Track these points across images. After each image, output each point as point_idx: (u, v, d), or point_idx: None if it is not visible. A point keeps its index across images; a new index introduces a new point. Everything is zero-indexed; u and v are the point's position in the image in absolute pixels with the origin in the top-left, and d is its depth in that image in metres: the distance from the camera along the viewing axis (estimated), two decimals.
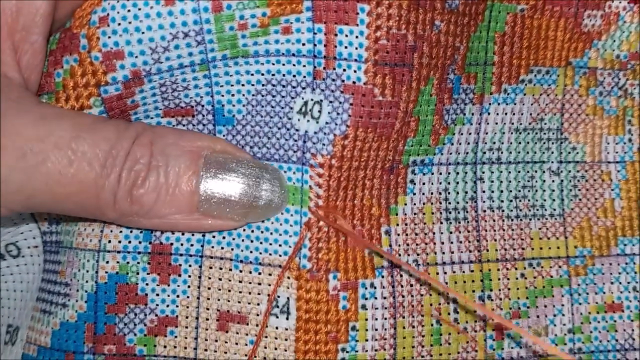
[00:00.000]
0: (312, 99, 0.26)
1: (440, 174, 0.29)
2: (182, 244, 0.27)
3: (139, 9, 0.25)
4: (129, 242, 0.27)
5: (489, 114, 0.29)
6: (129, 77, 0.26)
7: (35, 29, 0.25)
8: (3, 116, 0.23)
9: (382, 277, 0.27)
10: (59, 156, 0.23)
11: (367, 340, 0.27)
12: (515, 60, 0.30)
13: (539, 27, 0.29)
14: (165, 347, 0.27)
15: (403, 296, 0.28)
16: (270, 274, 0.27)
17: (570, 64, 0.30)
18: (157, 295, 0.27)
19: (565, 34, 0.30)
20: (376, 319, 0.27)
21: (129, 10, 0.25)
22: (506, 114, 0.30)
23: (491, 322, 0.29)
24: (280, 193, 0.26)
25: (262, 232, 0.27)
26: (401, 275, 0.28)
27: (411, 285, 0.28)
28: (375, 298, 0.27)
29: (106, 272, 0.27)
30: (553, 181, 0.31)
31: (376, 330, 0.27)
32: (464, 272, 0.29)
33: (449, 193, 0.29)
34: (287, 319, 0.26)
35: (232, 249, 0.27)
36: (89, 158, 0.24)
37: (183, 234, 0.27)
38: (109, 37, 0.25)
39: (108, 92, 0.26)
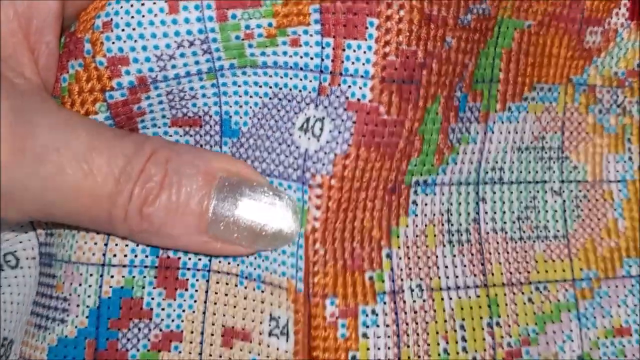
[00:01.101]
0: (314, 116, 0.25)
1: (443, 194, 0.28)
2: (189, 258, 0.27)
3: (143, 16, 0.24)
4: (135, 255, 0.26)
5: (492, 132, 0.29)
6: (134, 83, 0.25)
7: (49, 29, 0.25)
8: (24, 120, 0.23)
9: (384, 303, 0.26)
10: (75, 168, 0.23)
11: None
12: (520, 77, 0.29)
13: (544, 43, 0.29)
14: None
15: (407, 324, 0.26)
16: (271, 293, 0.26)
17: (571, 81, 0.30)
18: (163, 309, 0.26)
19: (568, 51, 0.29)
20: (379, 349, 0.26)
21: (132, 17, 0.24)
22: (509, 132, 0.29)
23: (501, 351, 0.28)
24: (292, 223, 0.25)
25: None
26: (404, 302, 0.26)
27: (415, 312, 0.27)
28: (377, 326, 0.26)
29: (110, 287, 0.26)
30: (555, 201, 0.30)
31: None
32: (469, 297, 0.28)
33: (451, 214, 0.28)
34: (287, 341, 0.25)
35: (238, 265, 0.26)
36: (104, 173, 0.24)
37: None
38: (113, 43, 0.25)
39: (113, 98, 0.25)
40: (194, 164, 0.25)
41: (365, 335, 0.26)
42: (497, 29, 0.28)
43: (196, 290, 0.26)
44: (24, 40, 0.25)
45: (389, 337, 0.26)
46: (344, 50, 0.24)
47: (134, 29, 0.24)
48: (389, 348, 0.26)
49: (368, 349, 0.26)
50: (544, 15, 0.28)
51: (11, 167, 0.23)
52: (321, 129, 0.25)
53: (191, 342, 0.26)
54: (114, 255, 0.27)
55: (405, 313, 0.26)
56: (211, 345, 0.26)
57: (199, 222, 0.25)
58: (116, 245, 0.27)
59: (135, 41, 0.24)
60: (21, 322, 0.29)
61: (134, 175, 0.24)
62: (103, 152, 0.24)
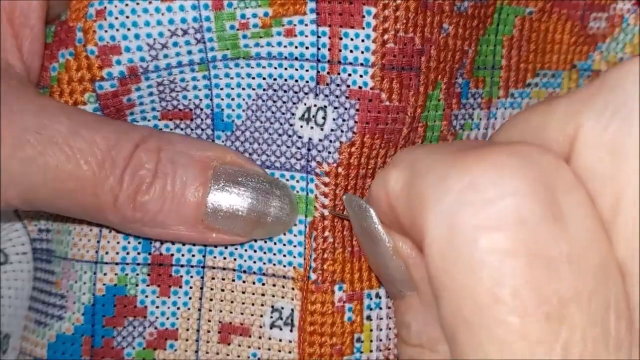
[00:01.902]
0: (315, 105, 0.25)
1: None
2: (183, 255, 0.26)
3: (137, 4, 0.23)
4: (127, 253, 0.26)
5: (496, 118, 0.29)
6: (125, 74, 0.24)
7: (33, 13, 0.24)
8: (5, 105, 0.22)
9: None
10: (56, 150, 0.22)
11: (371, 351, 0.26)
12: (522, 64, 0.29)
13: (546, 30, 0.29)
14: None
15: None
16: (274, 285, 0.26)
17: (575, 67, 0.30)
18: (157, 307, 0.26)
19: (572, 37, 0.29)
20: (381, 330, 0.26)
21: (126, 5, 0.23)
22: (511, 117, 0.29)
23: None
24: (289, 211, 0.25)
25: (265, 242, 0.26)
26: None
27: None
28: (380, 308, 0.26)
29: (104, 284, 0.26)
30: None
31: (380, 340, 0.26)
32: None
33: None
34: (292, 330, 0.25)
35: (235, 259, 0.26)
36: (86, 156, 0.23)
37: (184, 245, 0.26)
38: (106, 31, 0.24)
39: (103, 88, 0.24)
40: (187, 153, 0.24)
41: (369, 318, 0.26)
42: (496, 16, 0.27)
43: (190, 287, 0.26)
44: (7, 25, 0.24)
45: (390, 318, 0.26)
46: (340, 39, 0.24)
47: (127, 17, 0.24)
48: (390, 328, 0.26)
49: (371, 330, 0.26)
50: (545, 2, 0.28)
51: None
52: (324, 118, 0.25)
53: (187, 340, 0.26)
54: (106, 253, 0.26)
55: None
56: (208, 342, 0.26)
57: (195, 212, 0.24)
58: (108, 242, 0.26)
59: (128, 29, 0.24)
60: (17, 316, 0.28)
61: (120, 160, 0.23)
62: (84, 136, 0.23)
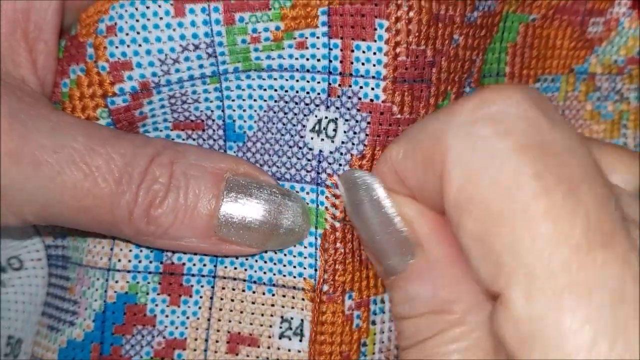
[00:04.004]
0: (326, 117, 0.24)
1: None
2: (194, 264, 0.26)
3: (148, 20, 0.23)
4: (140, 261, 0.26)
5: None
6: (137, 89, 0.24)
7: (48, 27, 0.24)
8: (20, 123, 0.22)
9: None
10: (74, 169, 0.22)
11: (374, 353, 0.26)
12: (525, 70, 0.28)
13: (548, 36, 0.29)
14: None
15: None
16: (284, 296, 0.25)
17: (572, 71, 0.30)
18: (167, 316, 0.25)
19: (571, 42, 0.29)
20: (383, 332, 0.26)
21: (137, 21, 0.23)
22: None
23: None
24: (302, 222, 0.25)
25: (276, 253, 0.25)
26: None
27: None
28: (384, 312, 0.26)
29: (115, 292, 0.25)
30: None
31: (383, 342, 0.26)
32: None
33: None
34: (301, 341, 0.25)
35: (246, 270, 0.26)
36: (104, 173, 0.23)
37: (196, 254, 0.26)
38: (117, 47, 0.23)
39: (115, 104, 0.24)
40: (200, 165, 0.24)
41: (373, 322, 0.26)
42: (502, 24, 0.27)
43: (201, 297, 0.26)
44: (22, 40, 0.23)
45: (392, 321, 0.26)
46: (352, 51, 0.23)
47: (138, 33, 0.23)
48: (390, 330, 0.26)
49: (375, 334, 0.26)
50: (547, 9, 0.28)
51: (7, 171, 0.22)
52: (335, 130, 0.24)
53: (195, 350, 0.25)
54: (119, 260, 0.26)
55: None
56: (216, 352, 0.25)
57: (207, 224, 0.24)
58: (121, 250, 0.26)
59: (139, 45, 0.23)
60: (30, 321, 0.28)
61: (136, 176, 0.23)
62: (102, 153, 0.23)
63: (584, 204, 0.17)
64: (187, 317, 0.26)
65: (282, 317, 0.25)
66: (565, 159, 0.17)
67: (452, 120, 0.19)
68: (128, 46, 0.23)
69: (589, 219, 0.16)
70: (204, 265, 0.26)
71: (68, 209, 0.23)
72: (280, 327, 0.25)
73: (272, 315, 0.25)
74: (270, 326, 0.25)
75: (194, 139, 0.26)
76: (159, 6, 0.23)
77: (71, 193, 0.22)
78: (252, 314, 0.26)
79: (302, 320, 0.25)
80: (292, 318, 0.25)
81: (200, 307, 0.26)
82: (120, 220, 0.23)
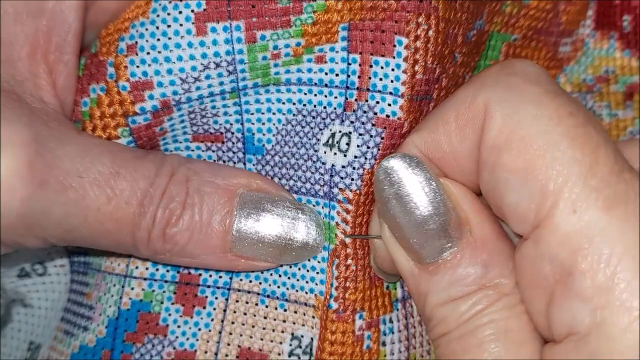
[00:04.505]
0: (340, 131, 0.24)
1: None
2: (210, 275, 0.26)
3: (169, 39, 0.23)
4: (157, 269, 0.26)
5: None
6: (158, 107, 0.24)
7: (68, 48, 0.24)
8: (47, 149, 0.22)
9: (397, 310, 0.26)
10: (98, 193, 0.22)
11: None
12: None
13: (525, 55, 0.29)
14: None
15: (415, 327, 0.26)
16: (295, 312, 0.25)
17: None
18: (179, 327, 0.25)
19: (545, 62, 0.30)
20: (393, 354, 0.25)
21: (158, 40, 0.23)
22: None
23: None
24: (316, 236, 0.24)
25: (290, 267, 0.25)
26: (412, 306, 0.26)
27: (420, 315, 0.26)
28: (393, 333, 0.25)
29: (130, 299, 0.26)
30: None
31: None
32: None
33: None
34: (310, 359, 0.25)
35: (260, 283, 0.25)
36: (128, 196, 0.23)
37: None
38: (137, 67, 0.23)
39: (136, 123, 0.24)
40: (214, 182, 0.24)
41: (384, 344, 0.25)
42: (487, 43, 0.27)
43: (214, 309, 0.25)
44: (42, 61, 0.23)
45: (401, 342, 0.26)
46: (371, 66, 0.23)
47: (159, 52, 0.23)
48: (400, 352, 0.26)
49: (385, 355, 0.25)
50: (527, 30, 0.29)
51: (33, 197, 0.22)
52: (348, 144, 0.24)
53: None
54: (136, 267, 0.26)
55: (413, 317, 0.26)
56: None
57: (222, 241, 0.24)
58: (139, 257, 0.26)
59: (161, 64, 0.23)
60: (50, 327, 0.29)
61: (156, 197, 0.23)
62: (126, 176, 0.23)
63: (609, 140, 0.20)
64: (199, 329, 0.25)
65: (292, 334, 0.25)
66: (588, 122, 0.20)
67: (485, 80, 0.21)
68: (149, 65, 0.23)
69: (615, 150, 0.20)
70: (220, 277, 0.26)
71: (90, 232, 0.23)
72: (290, 345, 0.25)
73: (282, 332, 0.25)
74: (281, 343, 0.25)
75: (213, 151, 0.26)
76: (180, 25, 0.23)
77: (94, 217, 0.23)
78: (264, 329, 0.25)
79: (312, 339, 0.25)
80: (302, 336, 0.25)
81: (212, 319, 0.25)
82: (139, 241, 0.23)
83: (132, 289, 0.26)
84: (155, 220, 0.23)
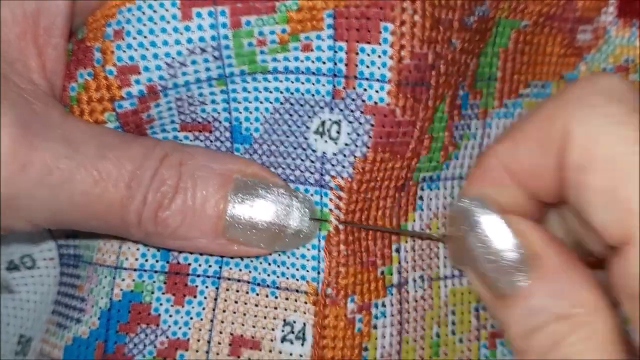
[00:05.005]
0: (330, 119, 0.24)
1: (446, 188, 0.28)
2: (200, 265, 0.26)
3: (155, 23, 0.23)
4: (146, 260, 0.26)
5: (490, 128, 0.29)
6: (144, 92, 0.24)
7: (57, 31, 0.24)
8: (31, 131, 0.22)
9: (392, 295, 0.26)
10: (85, 175, 0.22)
11: (375, 358, 0.25)
12: (515, 75, 0.29)
13: (538, 42, 0.29)
14: None
15: (409, 312, 0.26)
16: (287, 298, 0.25)
17: (563, 78, 0.30)
18: (170, 316, 0.25)
19: (561, 49, 0.30)
20: (384, 337, 0.26)
21: (144, 25, 0.23)
22: (505, 128, 0.29)
23: (484, 332, 0.28)
24: (310, 223, 0.25)
25: (280, 255, 0.25)
26: (407, 292, 0.27)
27: (416, 302, 0.27)
28: (385, 317, 0.26)
29: (121, 290, 0.26)
30: None
31: (384, 347, 0.26)
32: (462, 284, 0.28)
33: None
34: (303, 345, 0.25)
35: (250, 272, 0.26)
36: (115, 179, 0.23)
37: (202, 254, 0.26)
38: (124, 52, 0.24)
39: (123, 107, 0.24)
40: (208, 166, 0.24)
41: (375, 327, 0.25)
42: (494, 29, 0.27)
43: (205, 298, 0.26)
44: (31, 43, 0.23)
45: (393, 326, 0.26)
46: (357, 54, 0.23)
47: (145, 37, 0.23)
48: (392, 335, 0.26)
49: (376, 338, 0.26)
50: (538, 16, 0.28)
51: (16, 179, 0.22)
52: (338, 132, 0.24)
53: (197, 351, 0.25)
54: (126, 259, 0.26)
55: (408, 303, 0.27)
56: (218, 354, 0.25)
57: (215, 225, 0.24)
58: (129, 248, 0.26)
59: (147, 49, 0.24)
60: (40, 320, 0.29)
61: (146, 179, 0.23)
62: (112, 159, 0.23)
63: None
64: (191, 318, 0.25)
65: (284, 320, 0.25)
66: None
67: (567, 97, 0.21)
68: (135, 50, 0.24)
69: None
70: (210, 266, 0.26)
71: (79, 214, 0.23)
72: (283, 331, 0.25)
73: (274, 318, 0.25)
74: (273, 329, 0.25)
75: (201, 141, 0.26)
76: (166, 10, 0.23)
77: (82, 199, 0.23)
78: (255, 316, 0.25)
79: (304, 324, 0.25)
80: (294, 322, 0.25)
81: (204, 308, 0.26)
82: (130, 224, 0.24)
83: (123, 280, 0.26)
84: (146, 202, 0.23)
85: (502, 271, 0.22)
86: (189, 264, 0.26)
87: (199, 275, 0.26)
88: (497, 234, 0.22)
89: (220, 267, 0.26)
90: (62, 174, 0.22)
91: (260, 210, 0.24)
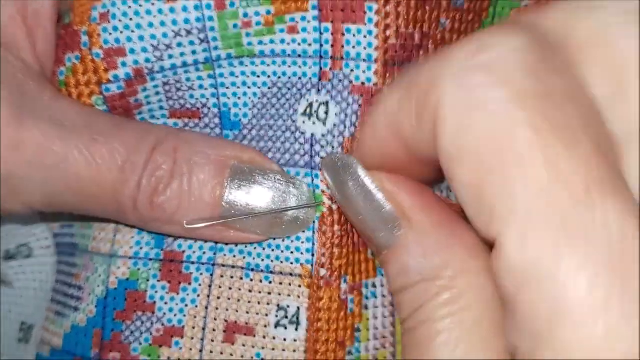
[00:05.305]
0: (317, 100, 0.24)
1: None
2: (194, 252, 0.26)
3: (140, 6, 0.23)
4: (140, 248, 0.26)
5: None
6: (130, 75, 0.24)
7: (46, 14, 0.24)
8: (23, 111, 0.22)
9: (382, 275, 0.26)
10: (78, 157, 0.22)
11: (369, 340, 0.25)
12: None
13: None
14: (169, 358, 0.25)
15: None
16: (280, 283, 0.25)
17: None
18: (166, 303, 0.25)
19: None
20: (376, 318, 0.25)
21: (129, 7, 0.23)
22: None
23: None
24: (307, 210, 0.24)
25: (274, 239, 0.26)
26: None
27: None
28: (376, 297, 0.25)
29: (117, 278, 0.26)
30: None
31: (377, 329, 0.25)
32: None
33: (442, 184, 0.27)
34: (297, 329, 0.25)
35: (244, 257, 0.25)
36: (107, 162, 0.23)
37: (196, 241, 0.26)
38: (110, 34, 0.24)
39: (110, 91, 0.24)
40: (204, 152, 0.24)
41: (366, 307, 0.25)
42: (492, 10, 0.26)
43: (199, 285, 0.25)
44: (22, 25, 0.24)
45: (385, 307, 0.26)
46: (343, 34, 0.23)
47: (130, 19, 0.23)
48: (385, 317, 0.26)
49: (368, 319, 0.25)
50: None
51: (10, 159, 0.22)
52: (326, 113, 0.24)
53: (192, 338, 0.25)
54: (121, 247, 0.26)
55: None
56: (212, 341, 0.25)
57: (212, 212, 0.24)
58: (123, 236, 0.26)
59: (132, 31, 0.23)
60: (40, 308, 0.29)
61: (140, 164, 0.23)
62: (105, 142, 0.23)
63: (583, 154, 0.16)
64: (186, 305, 0.25)
65: (278, 305, 0.25)
66: (564, 108, 0.16)
67: (447, 65, 0.18)
68: (121, 32, 0.24)
69: (588, 168, 0.15)
70: (204, 253, 0.26)
71: (72, 196, 0.23)
72: (276, 316, 0.25)
73: (268, 304, 0.25)
74: (267, 315, 0.25)
75: (191, 128, 0.26)
76: None
77: (75, 181, 0.23)
78: (249, 302, 0.25)
79: (298, 308, 0.25)
80: (288, 306, 0.25)
81: (199, 295, 0.26)
82: (124, 207, 0.23)
83: (119, 268, 0.26)
84: (141, 188, 0.23)
85: (374, 229, 0.21)
86: (184, 252, 0.26)
87: (193, 263, 0.26)
88: (366, 192, 0.22)
89: (215, 254, 0.26)
90: (55, 155, 0.22)
91: (256, 196, 0.24)
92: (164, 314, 0.25)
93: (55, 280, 0.29)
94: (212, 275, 0.26)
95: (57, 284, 0.29)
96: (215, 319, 0.25)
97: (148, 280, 0.26)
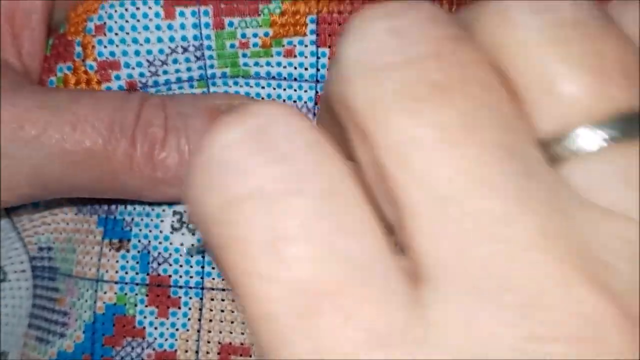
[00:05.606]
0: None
1: None
2: (180, 276, 0.25)
3: (138, 21, 0.23)
4: (126, 272, 0.25)
5: None
6: (124, 89, 0.24)
7: (35, 15, 0.23)
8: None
9: None
10: (61, 121, 0.21)
11: None
12: None
13: None
14: None
15: None
16: None
17: None
18: (156, 328, 0.25)
19: None
20: None
21: (127, 21, 0.23)
22: None
23: None
24: None
25: None
26: None
27: None
28: None
29: (104, 303, 0.25)
30: None
31: None
32: None
33: None
34: None
35: None
36: (92, 121, 0.21)
37: (181, 266, 0.25)
38: (105, 47, 0.23)
39: None
40: (193, 104, 0.23)
41: None
42: None
43: (189, 309, 0.25)
44: (6, 24, 0.23)
45: None
46: None
47: (127, 33, 0.23)
48: None
49: None
50: None
51: None
52: None
53: None
54: (106, 271, 0.25)
55: None
56: None
57: None
58: (108, 260, 0.25)
59: (128, 45, 0.23)
60: (15, 334, 0.28)
61: (128, 121, 0.22)
62: (87, 104, 0.21)
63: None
64: (177, 329, 0.25)
65: None
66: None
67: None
68: (117, 46, 0.23)
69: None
70: (191, 277, 0.25)
71: (60, 167, 0.21)
72: None
73: None
74: None
75: None
76: (149, 8, 0.23)
77: (60, 148, 0.21)
78: (243, 323, 0.25)
79: None
80: None
81: (189, 319, 0.25)
82: (120, 170, 0.22)
83: (105, 292, 0.25)
84: (136, 144, 0.22)
85: None
86: (170, 276, 0.25)
87: (181, 287, 0.25)
88: None
89: (202, 278, 0.25)
90: (35, 124, 0.21)
91: None
92: (155, 338, 0.25)
93: (32, 304, 0.28)
94: (201, 299, 0.25)
95: (35, 309, 0.27)
96: (209, 342, 0.25)
97: (136, 306, 0.25)
